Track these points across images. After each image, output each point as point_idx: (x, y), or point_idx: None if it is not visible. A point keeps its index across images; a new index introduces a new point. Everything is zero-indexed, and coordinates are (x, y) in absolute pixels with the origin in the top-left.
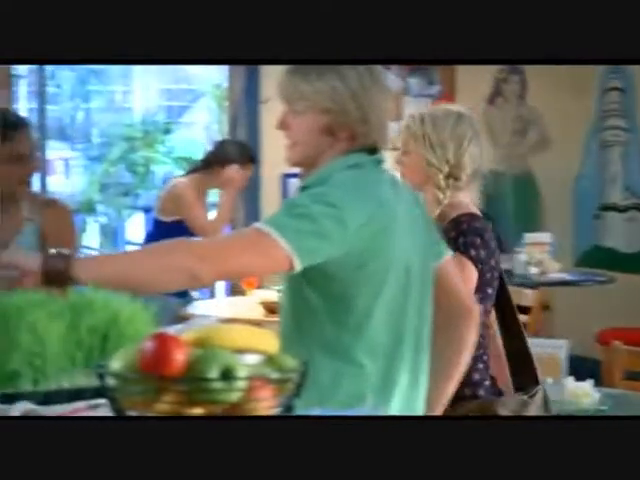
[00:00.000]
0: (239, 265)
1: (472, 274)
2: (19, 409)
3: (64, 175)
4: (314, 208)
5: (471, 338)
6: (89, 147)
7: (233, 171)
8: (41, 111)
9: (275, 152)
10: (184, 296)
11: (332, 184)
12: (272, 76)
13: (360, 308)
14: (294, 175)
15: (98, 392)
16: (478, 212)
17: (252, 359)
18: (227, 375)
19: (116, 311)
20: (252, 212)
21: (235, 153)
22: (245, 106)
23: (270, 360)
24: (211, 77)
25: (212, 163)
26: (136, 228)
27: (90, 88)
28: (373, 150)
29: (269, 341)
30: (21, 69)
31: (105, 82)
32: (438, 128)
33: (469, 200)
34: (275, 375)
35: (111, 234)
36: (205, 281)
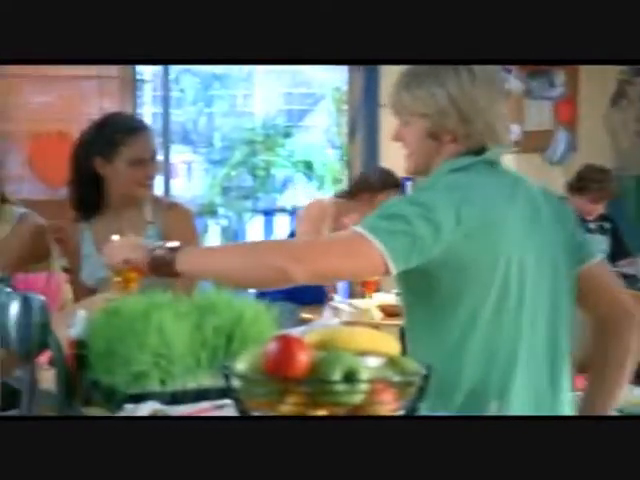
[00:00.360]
0: (333, 267)
1: None
2: (147, 409)
3: (187, 178)
4: (408, 210)
5: (635, 341)
6: (211, 151)
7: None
8: (165, 115)
9: (394, 155)
10: (320, 298)
11: (433, 188)
12: (392, 79)
13: (467, 311)
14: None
15: (223, 393)
16: None
17: (374, 362)
18: (350, 378)
19: (240, 312)
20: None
21: (378, 181)
22: (365, 109)
23: (392, 363)
24: (331, 80)
25: (355, 192)
26: (256, 231)
27: (213, 93)
28: (483, 150)
29: (391, 344)
30: (146, 74)
31: (227, 86)
32: None
33: None
34: (397, 378)
35: (232, 237)
36: (298, 281)
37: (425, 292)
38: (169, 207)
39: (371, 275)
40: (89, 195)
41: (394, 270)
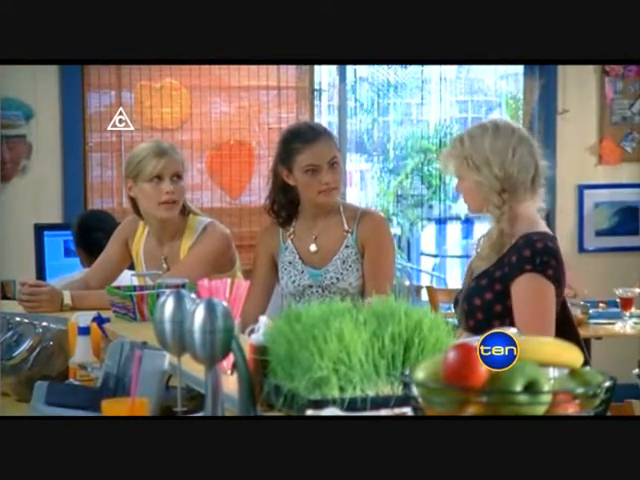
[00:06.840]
0: None
1: (550, 293)
2: (327, 415)
3: (360, 186)
4: None
5: None
6: (385, 159)
7: None
8: (341, 124)
9: (570, 162)
10: None
11: None
12: (568, 87)
13: None
14: (590, 186)
15: (402, 401)
16: (548, 230)
17: (556, 372)
18: (532, 388)
19: (418, 320)
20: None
21: None
22: (540, 117)
23: (574, 374)
24: (505, 88)
25: None
26: (430, 239)
27: (388, 102)
28: None
29: (575, 355)
30: (323, 84)
31: (402, 95)
32: (477, 147)
33: (533, 212)
34: (580, 390)
35: (405, 245)
36: None
37: None
38: (362, 214)
39: None
40: (281, 203)
41: None
